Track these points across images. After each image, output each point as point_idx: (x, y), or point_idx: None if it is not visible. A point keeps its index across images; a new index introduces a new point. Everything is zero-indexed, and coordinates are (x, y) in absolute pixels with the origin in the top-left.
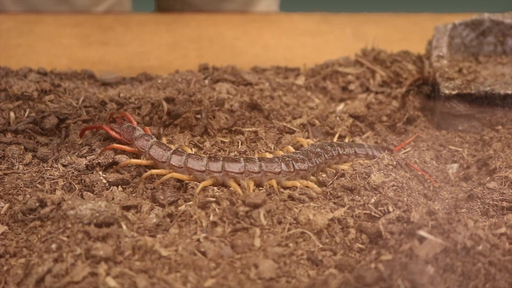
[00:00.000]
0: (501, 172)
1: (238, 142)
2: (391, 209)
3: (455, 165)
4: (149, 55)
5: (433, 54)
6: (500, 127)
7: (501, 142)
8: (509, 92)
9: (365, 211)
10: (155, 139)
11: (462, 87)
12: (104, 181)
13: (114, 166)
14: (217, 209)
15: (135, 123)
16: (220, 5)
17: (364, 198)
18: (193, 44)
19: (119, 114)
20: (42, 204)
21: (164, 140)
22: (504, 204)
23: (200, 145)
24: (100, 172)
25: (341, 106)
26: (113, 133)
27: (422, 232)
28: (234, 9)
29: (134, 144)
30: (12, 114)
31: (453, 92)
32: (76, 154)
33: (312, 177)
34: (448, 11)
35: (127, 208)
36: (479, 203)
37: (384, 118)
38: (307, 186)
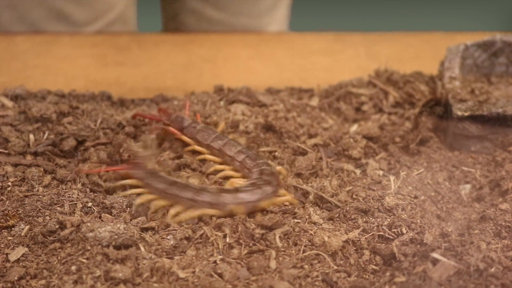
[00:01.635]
0: None
1: None
2: (404, 231)
3: (468, 186)
4: (165, 76)
5: (446, 75)
6: None
7: None
8: None
9: (379, 233)
10: (202, 124)
11: (475, 108)
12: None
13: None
14: (233, 231)
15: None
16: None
17: (378, 220)
18: (208, 64)
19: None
20: (62, 226)
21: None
22: None
23: None
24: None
25: (354, 127)
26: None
27: (435, 255)
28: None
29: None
30: (31, 136)
31: (466, 114)
32: (94, 176)
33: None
34: (459, 29)
35: (145, 229)
36: (491, 225)
37: (397, 139)
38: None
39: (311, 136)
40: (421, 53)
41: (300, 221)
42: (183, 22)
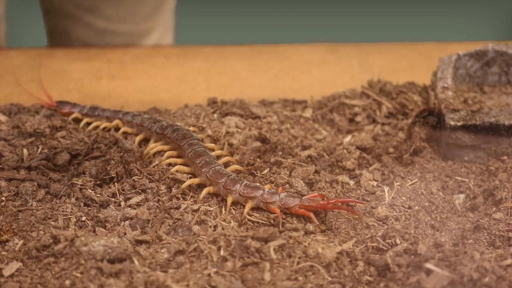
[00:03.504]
0: (507, 202)
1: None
2: (398, 242)
3: (462, 196)
4: (158, 89)
5: (438, 85)
6: (505, 157)
7: (506, 172)
8: None
9: (373, 244)
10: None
11: (467, 118)
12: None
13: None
14: (227, 244)
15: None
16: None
17: (371, 231)
18: (202, 76)
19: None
20: (56, 240)
21: None
22: (511, 234)
23: None
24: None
25: (348, 138)
26: None
27: (429, 265)
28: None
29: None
30: (25, 150)
31: (459, 124)
32: (88, 189)
33: None
34: (452, 39)
35: (139, 243)
36: (485, 234)
37: (391, 150)
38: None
39: (304, 148)
40: (415, 63)
41: (294, 233)
42: (69, 32)
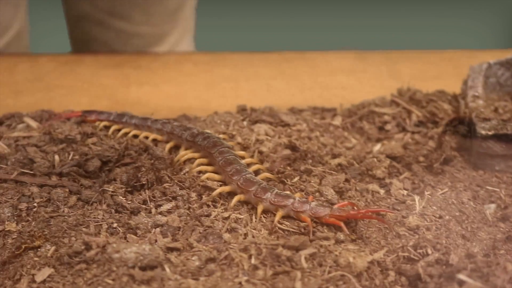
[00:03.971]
0: None
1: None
2: (430, 252)
3: (493, 206)
4: (187, 95)
5: (469, 94)
6: None
7: None
8: None
9: (404, 254)
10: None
11: (499, 127)
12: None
13: None
14: (258, 253)
15: None
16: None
17: (403, 240)
18: (230, 83)
19: None
20: (88, 247)
21: None
22: None
23: None
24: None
25: (378, 146)
26: None
27: (461, 276)
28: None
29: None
30: (56, 157)
31: (490, 133)
32: (119, 196)
33: None
34: (481, 47)
35: (170, 250)
36: None
37: (421, 159)
38: None
39: (334, 156)
40: (443, 71)
41: (325, 242)
42: (91, 36)
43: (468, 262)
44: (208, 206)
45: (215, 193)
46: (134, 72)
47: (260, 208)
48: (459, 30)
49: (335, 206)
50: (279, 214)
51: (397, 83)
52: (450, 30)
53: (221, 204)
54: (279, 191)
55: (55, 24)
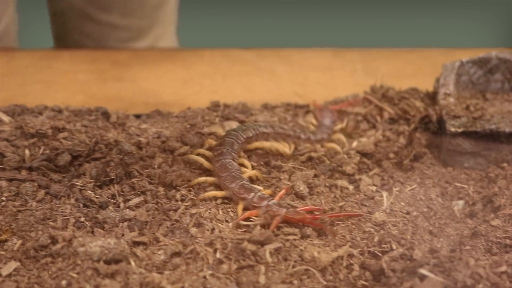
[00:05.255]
0: (506, 209)
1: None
2: (394, 247)
3: (461, 202)
4: (163, 91)
5: (440, 91)
6: (505, 164)
7: (506, 179)
8: None
9: (369, 249)
10: None
11: (468, 125)
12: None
13: None
14: (223, 247)
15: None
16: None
17: (368, 235)
18: (207, 79)
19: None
20: (54, 241)
21: None
22: (508, 241)
23: None
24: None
25: (355, 143)
26: None
27: (423, 270)
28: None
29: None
30: (27, 151)
31: (459, 130)
32: (88, 190)
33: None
34: (460, 46)
35: (136, 244)
36: (483, 241)
37: (391, 155)
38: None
39: (305, 153)
40: (420, 69)
41: (291, 236)
42: (75, 30)
43: (431, 257)
44: (177, 200)
45: (195, 181)
46: (111, 68)
47: (220, 194)
48: (454, 29)
49: (292, 209)
50: (240, 206)
51: (373, 80)
52: (448, 29)
53: (190, 199)
54: (246, 183)
55: (44, 19)
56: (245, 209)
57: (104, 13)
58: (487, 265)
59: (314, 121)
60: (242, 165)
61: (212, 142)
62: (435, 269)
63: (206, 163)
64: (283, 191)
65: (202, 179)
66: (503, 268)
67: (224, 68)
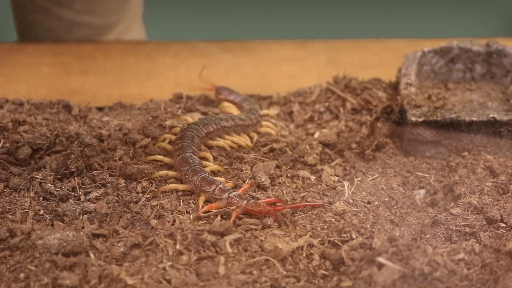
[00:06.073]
0: (465, 198)
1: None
2: (354, 236)
3: (422, 191)
4: (127, 84)
5: (402, 81)
6: (466, 153)
7: (466, 168)
8: (474, 119)
9: (329, 238)
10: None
11: (429, 114)
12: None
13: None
14: (183, 238)
15: None
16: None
17: (328, 225)
18: (171, 72)
19: None
20: (12, 234)
21: None
22: (467, 229)
23: None
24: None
25: (317, 134)
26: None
27: (381, 259)
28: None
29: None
30: None
31: (420, 119)
32: (48, 183)
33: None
34: (423, 36)
35: (96, 236)
36: (443, 229)
37: (354, 145)
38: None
39: (267, 144)
40: (384, 60)
41: (251, 227)
42: (38, 26)
43: (390, 245)
44: (138, 193)
45: (155, 174)
46: (74, 61)
47: (181, 187)
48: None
49: (252, 201)
50: (201, 198)
51: (337, 71)
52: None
53: (151, 191)
54: (208, 176)
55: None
56: (207, 201)
57: (63, 9)
58: (445, 253)
59: (227, 104)
60: (204, 158)
61: (170, 136)
62: (393, 257)
63: (166, 160)
64: (246, 185)
65: (163, 172)
66: (461, 255)
67: (188, 60)
